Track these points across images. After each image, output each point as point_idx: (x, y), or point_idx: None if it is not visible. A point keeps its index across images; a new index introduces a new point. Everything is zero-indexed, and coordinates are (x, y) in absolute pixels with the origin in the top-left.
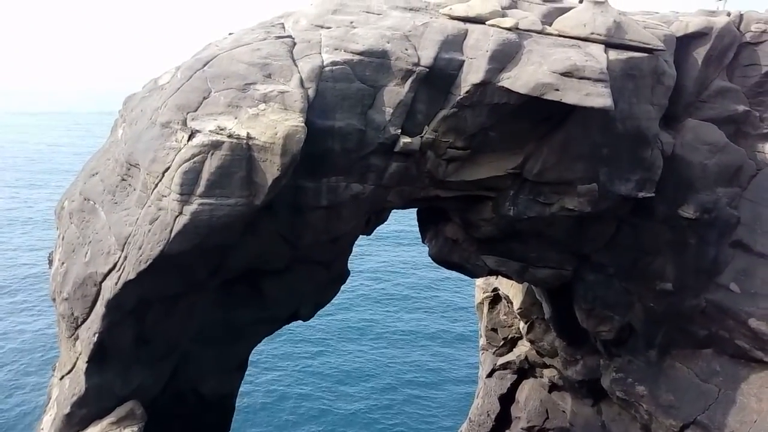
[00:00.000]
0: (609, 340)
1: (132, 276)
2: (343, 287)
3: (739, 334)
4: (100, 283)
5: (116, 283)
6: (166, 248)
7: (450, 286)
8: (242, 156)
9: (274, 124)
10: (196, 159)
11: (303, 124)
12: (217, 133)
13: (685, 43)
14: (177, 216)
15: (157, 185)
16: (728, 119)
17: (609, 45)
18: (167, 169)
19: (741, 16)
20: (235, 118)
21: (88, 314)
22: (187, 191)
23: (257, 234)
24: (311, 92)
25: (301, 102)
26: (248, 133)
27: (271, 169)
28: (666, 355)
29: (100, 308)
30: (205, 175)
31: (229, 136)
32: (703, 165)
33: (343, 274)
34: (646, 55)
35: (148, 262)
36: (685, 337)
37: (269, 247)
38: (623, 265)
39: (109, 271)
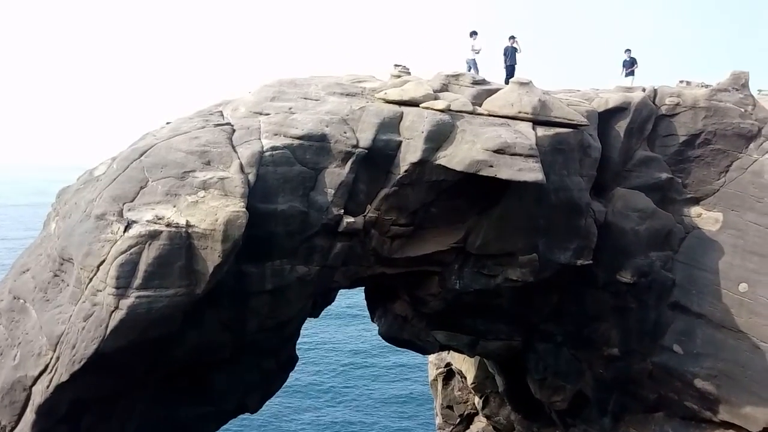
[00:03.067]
0: (563, 410)
1: (65, 378)
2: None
3: (687, 396)
4: (30, 387)
5: (48, 387)
6: (101, 346)
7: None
8: (181, 245)
9: (214, 210)
10: (132, 250)
11: (244, 209)
12: (155, 223)
13: (606, 117)
14: (113, 311)
15: (91, 280)
16: (654, 186)
17: (536, 122)
18: (102, 262)
19: (655, 90)
20: (174, 206)
21: (17, 422)
22: (123, 284)
23: (199, 324)
24: (252, 177)
25: (242, 187)
26: (187, 221)
27: (212, 256)
28: (620, 422)
29: (30, 415)
30: (142, 267)
31: (168, 225)
32: (635, 231)
33: (292, 360)
34: (571, 130)
35: (83, 362)
36: (636, 402)
37: (212, 337)
38: (570, 332)
39: (40, 374)
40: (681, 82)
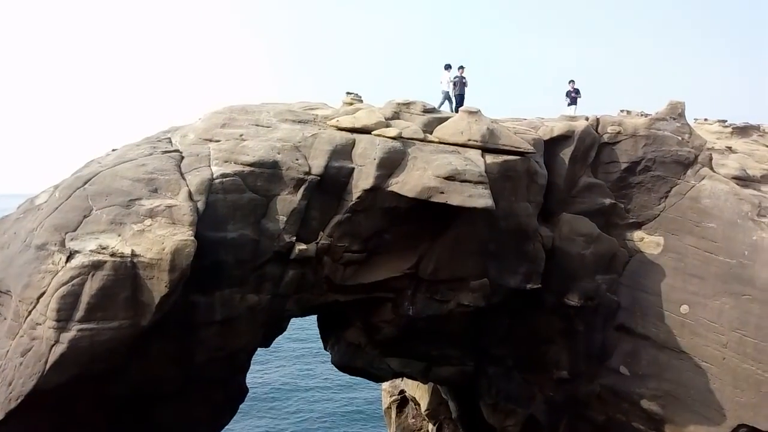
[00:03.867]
0: None
1: (0, 417)
2: None
3: (635, 416)
4: None
5: None
6: (40, 382)
7: None
8: (126, 275)
9: (161, 239)
10: (74, 281)
11: (192, 238)
12: (99, 253)
13: (552, 145)
14: (53, 345)
15: (30, 312)
16: (598, 212)
17: (485, 150)
18: (42, 294)
19: (597, 119)
20: (119, 235)
21: None
22: (64, 317)
23: (145, 357)
24: (201, 205)
25: (190, 215)
26: (133, 251)
27: (158, 286)
28: None
29: None
30: (85, 299)
31: (112, 254)
32: (581, 255)
33: (242, 392)
34: (519, 157)
35: (19, 400)
36: (586, 424)
37: (158, 370)
38: (521, 356)
39: None
40: (622, 111)
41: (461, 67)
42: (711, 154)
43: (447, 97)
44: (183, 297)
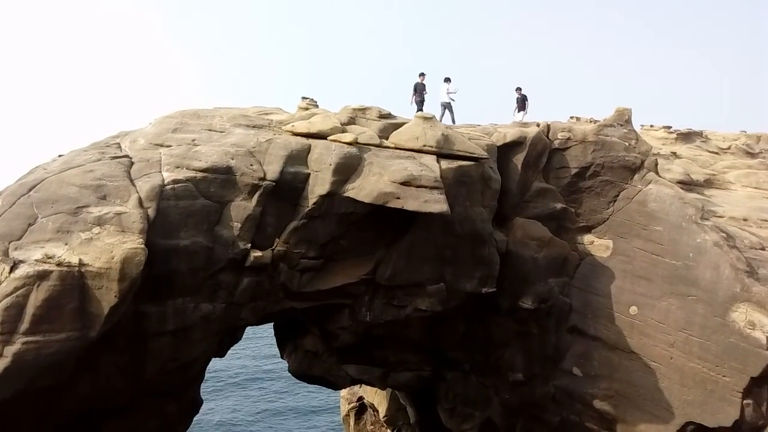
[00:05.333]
0: None
1: None
2: None
3: (588, 417)
4: None
5: None
6: None
7: None
8: (74, 285)
9: (110, 247)
10: (19, 293)
11: (143, 246)
12: (44, 262)
13: (505, 151)
14: None
15: None
16: (550, 216)
17: (440, 155)
18: None
19: (548, 126)
20: (66, 244)
21: None
22: (8, 330)
23: (93, 370)
24: (151, 212)
25: (141, 222)
26: (80, 260)
27: (107, 296)
28: None
29: None
30: (30, 310)
31: (59, 264)
32: (534, 258)
33: (196, 404)
34: (473, 163)
35: None
36: (541, 426)
37: (108, 383)
38: (477, 360)
39: None
40: (571, 117)
41: (422, 74)
42: (657, 160)
43: (448, 108)
44: (133, 307)
